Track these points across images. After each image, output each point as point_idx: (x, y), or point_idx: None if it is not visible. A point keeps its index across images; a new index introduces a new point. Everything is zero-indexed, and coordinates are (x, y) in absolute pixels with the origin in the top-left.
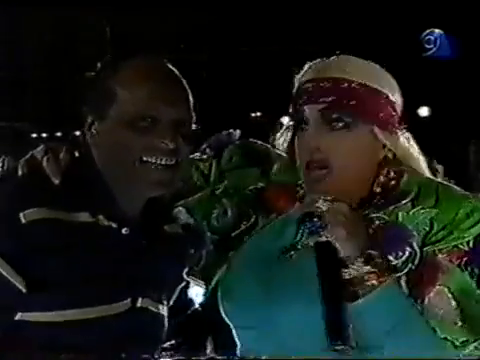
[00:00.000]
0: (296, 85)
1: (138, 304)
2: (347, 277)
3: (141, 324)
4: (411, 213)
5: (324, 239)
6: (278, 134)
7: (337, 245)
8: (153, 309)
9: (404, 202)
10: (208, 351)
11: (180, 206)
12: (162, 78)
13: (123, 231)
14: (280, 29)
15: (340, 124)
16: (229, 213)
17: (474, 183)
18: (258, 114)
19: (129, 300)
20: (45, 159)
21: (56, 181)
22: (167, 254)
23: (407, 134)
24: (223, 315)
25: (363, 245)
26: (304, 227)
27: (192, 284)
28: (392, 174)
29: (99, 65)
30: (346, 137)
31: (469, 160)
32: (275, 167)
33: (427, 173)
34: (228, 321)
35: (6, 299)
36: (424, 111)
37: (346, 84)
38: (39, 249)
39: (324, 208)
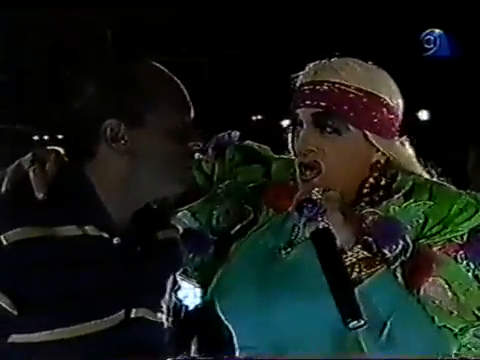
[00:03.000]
0: (296, 86)
1: (132, 315)
2: (347, 263)
3: (138, 335)
4: (404, 207)
5: (321, 226)
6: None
7: (333, 231)
8: (150, 318)
9: (396, 197)
10: (192, 351)
11: (185, 210)
12: (175, 80)
13: (114, 241)
14: (280, 31)
15: (331, 128)
16: (230, 212)
17: (471, 186)
18: (259, 117)
19: (123, 312)
20: (31, 170)
21: (40, 195)
22: (162, 260)
23: (404, 137)
24: (220, 313)
25: (358, 232)
26: (302, 214)
27: (183, 285)
28: (384, 176)
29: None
30: (337, 141)
31: (468, 161)
32: (274, 167)
33: (424, 175)
34: (224, 319)
35: None
36: (423, 111)
37: (341, 89)
38: (25, 270)
39: (318, 196)
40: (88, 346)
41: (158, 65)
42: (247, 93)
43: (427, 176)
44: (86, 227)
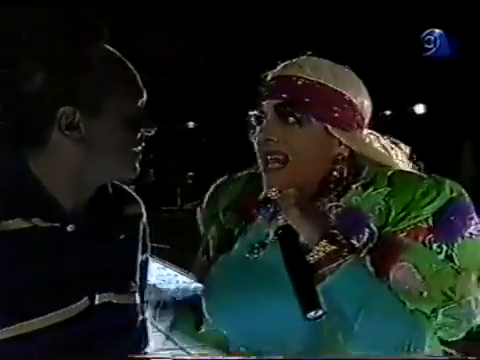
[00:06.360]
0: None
1: (96, 301)
2: (316, 258)
3: (106, 320)
4: (364, 195)
5: (282, 223)
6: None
7: (295, 227)
8: (117, 302)
9: (355, 186)
10: (164, 329)
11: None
12: (128, 64)
13: (68, 228)
14: (278, 29)
15: (292, 119)
16: (215, 238)
17: (466, 180)
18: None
19: (86, 299)
20: None
21: None
22: (128, 239)
23: (373, 132)
24: (206, 315)
25: (322, 226)
26: (261, 215)
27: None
28: (347, 169)
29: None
30: (298, 132)
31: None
32: (241, 185)
33: (401, 167)
34: (210, 319)
35: None
36: (423, 110)
37: (304, 82)
38: None
39: (274, 196)
40: (54, 337)
41: (110, 48)
42: (243, 90)
43: (403, 167)
44: (33, 219)
